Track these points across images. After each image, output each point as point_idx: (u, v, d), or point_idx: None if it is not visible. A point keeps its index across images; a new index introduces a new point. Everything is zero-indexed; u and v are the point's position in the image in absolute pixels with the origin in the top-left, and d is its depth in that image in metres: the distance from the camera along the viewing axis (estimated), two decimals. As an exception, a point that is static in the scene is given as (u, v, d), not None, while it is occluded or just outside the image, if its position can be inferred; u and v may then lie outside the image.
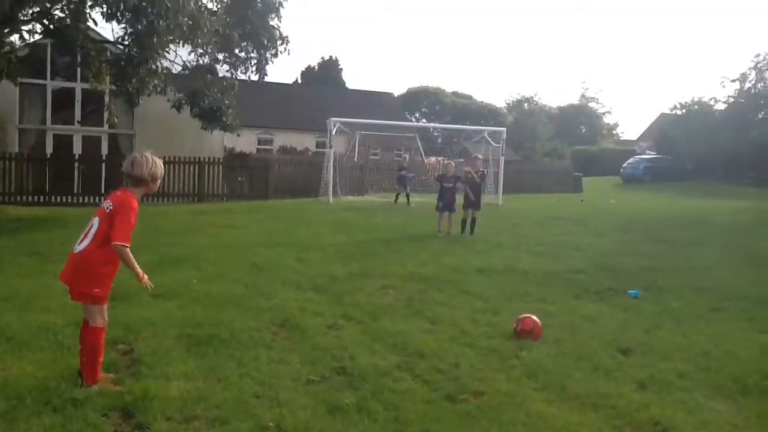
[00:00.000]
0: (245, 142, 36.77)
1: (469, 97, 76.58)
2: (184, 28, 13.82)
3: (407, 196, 21.94)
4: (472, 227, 13.77)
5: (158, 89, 14.73)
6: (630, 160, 41.61)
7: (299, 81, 64.12)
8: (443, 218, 13.77)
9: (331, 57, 67.14)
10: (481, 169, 14.55)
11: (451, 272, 9.38)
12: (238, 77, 17.55)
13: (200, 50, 16.43)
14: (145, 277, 4.42)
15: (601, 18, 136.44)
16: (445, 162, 15.49)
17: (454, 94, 76.15)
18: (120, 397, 4.30)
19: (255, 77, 17.23)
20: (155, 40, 13.42)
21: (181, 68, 17.43)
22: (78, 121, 22.78)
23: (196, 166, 21.56)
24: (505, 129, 25.34)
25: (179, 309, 6.66)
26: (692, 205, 22.78)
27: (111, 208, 4.37)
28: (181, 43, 14.85)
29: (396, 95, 65.21)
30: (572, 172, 34.25)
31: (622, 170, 40.46)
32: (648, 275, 9.74)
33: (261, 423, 4.03)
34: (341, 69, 66.82)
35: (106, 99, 17.86)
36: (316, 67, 66.53)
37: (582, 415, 4.41)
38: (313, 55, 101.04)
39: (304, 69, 67.20)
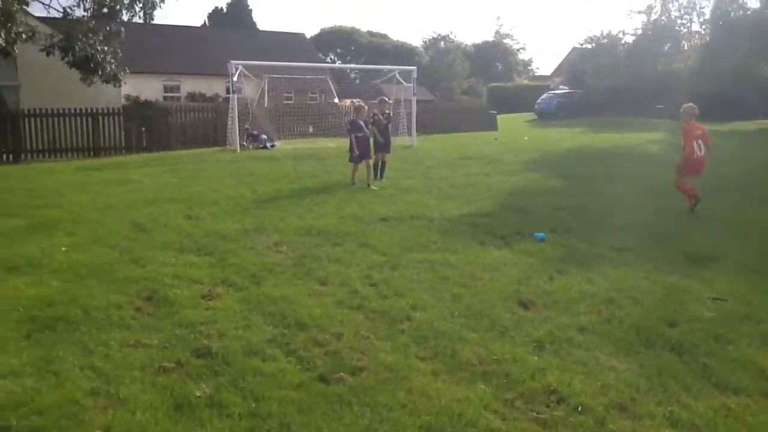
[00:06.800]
0: (150, 90, 34.75)
1: (385, 36, 75.19)
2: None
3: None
4: (382, 172, 13.13)
5: (23, 37, 13.06)
6: (543, 96, 41.67)
7: (207, 24, 61.17)
8: (359, 168, 12.36)
9: (239, -3, 64.24)
10: (386, 111, 13.87)
11: (352, 223, 8.78)
12: (124, 20, 15.96)
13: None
14: None
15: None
16: (357, 104, 13.73)
17: (369, 33, 74.55)
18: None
19: (140, 20, 15.72)
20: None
21: (61, 13, 15.81)
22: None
23: (89, 118, 19.93)
24: (415, 68, 24.45)
25: (32, 285, 5.82)
26: (603, 138, 22.82)
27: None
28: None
29: (309, 36, 63.22)
30: (488, 110, 33.93)
31: (536, 106, 40.56)
32: (556, 215, 9.46)
33: None
34: (251, 10, 64.16)
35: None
36: (224, 9, 63.55)
37: (470, 388, 3.92)
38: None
39: (211, 11, 64.20)
